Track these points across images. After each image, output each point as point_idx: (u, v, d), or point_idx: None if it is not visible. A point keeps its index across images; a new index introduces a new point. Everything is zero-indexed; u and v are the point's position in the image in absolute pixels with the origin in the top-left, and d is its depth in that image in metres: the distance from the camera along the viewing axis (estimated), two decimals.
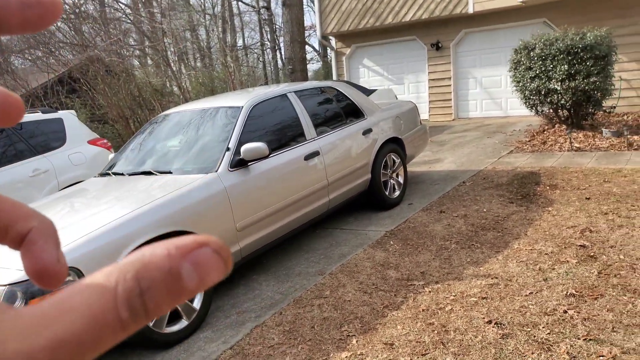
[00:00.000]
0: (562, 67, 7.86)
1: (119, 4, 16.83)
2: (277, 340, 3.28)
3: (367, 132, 5.45)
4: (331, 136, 5.05)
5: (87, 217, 3.45)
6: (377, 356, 2.93)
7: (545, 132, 8.70)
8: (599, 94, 7.94)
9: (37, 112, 6.48)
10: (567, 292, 3.30)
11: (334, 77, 13.44)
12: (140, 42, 17.38)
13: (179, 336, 3.46)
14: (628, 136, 7.25)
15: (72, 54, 13.66)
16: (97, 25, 14.49)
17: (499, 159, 7.44)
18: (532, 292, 3.37)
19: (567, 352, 2.69)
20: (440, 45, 11.92)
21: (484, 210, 5.18)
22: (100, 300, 0.23)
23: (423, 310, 3.36)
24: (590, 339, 2.77)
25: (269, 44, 28.96)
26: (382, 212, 5.59)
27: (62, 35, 13.52)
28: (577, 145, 7.54)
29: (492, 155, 7.79)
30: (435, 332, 3.08)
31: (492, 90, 11.69)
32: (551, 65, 8.02)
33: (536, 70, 8.20)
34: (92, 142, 6.82)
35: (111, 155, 5.25)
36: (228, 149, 4.10)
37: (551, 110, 8.67)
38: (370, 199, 5.62)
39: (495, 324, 3.05)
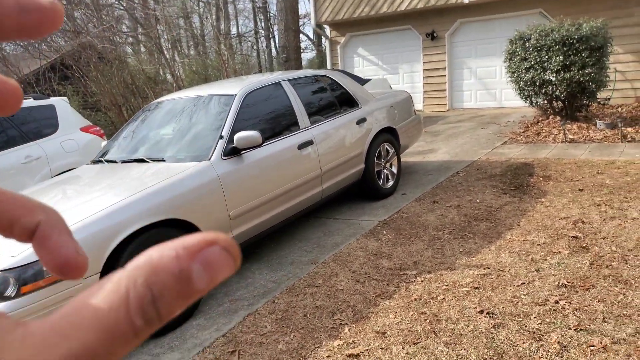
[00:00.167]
0: (558, 58, 7.86)
1: None
2: (269, 328, 3.28)
3: (361, 121, 5.44)
4: (325, 125, 5.03)
5: (79, 204, 3.43)
6: (369, 344, 2.94)
7: (539, 124, 8.71)
8: (593, 85, 7.95)
9: (29, 99, 6.41)
10: (558, 283, 3.32)
11: (329, 66, 13.37)
12: (133, 29, 17.24)
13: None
14: (622, 128, 7.27)
15: (64, 40, 13.53)
16: (89, 12, 14.34)
17: (492, 150, 7.45)
18: (524, 283, 3.39)
19: (558, 342, 2.71)
20: (435, 35, 11.87)
21: (477, 200, 5.19)
22: (112, 311, 0.22)
23: (415, 299, 3.37)
24: (581, 329, 2.79)
25: (263, 32, 28.83)
26: (375, 202, 5.59)
27: None
28: (571, 137, 7.56)
29: (486, 146, 7.80)
30: (427, 321, 3.09)
31: (486, 81, 11.68)
32: (546, 56, 8.02)
33: (531, 61, 8.19)
34: (84, 130, 6.77)
35: (104, 143, 5.21)
36: (221, 137, 4.08)
37: (546, 102, 8.68)
38: (363, 189, 5.62)
39: (487, 313, 3.07)
